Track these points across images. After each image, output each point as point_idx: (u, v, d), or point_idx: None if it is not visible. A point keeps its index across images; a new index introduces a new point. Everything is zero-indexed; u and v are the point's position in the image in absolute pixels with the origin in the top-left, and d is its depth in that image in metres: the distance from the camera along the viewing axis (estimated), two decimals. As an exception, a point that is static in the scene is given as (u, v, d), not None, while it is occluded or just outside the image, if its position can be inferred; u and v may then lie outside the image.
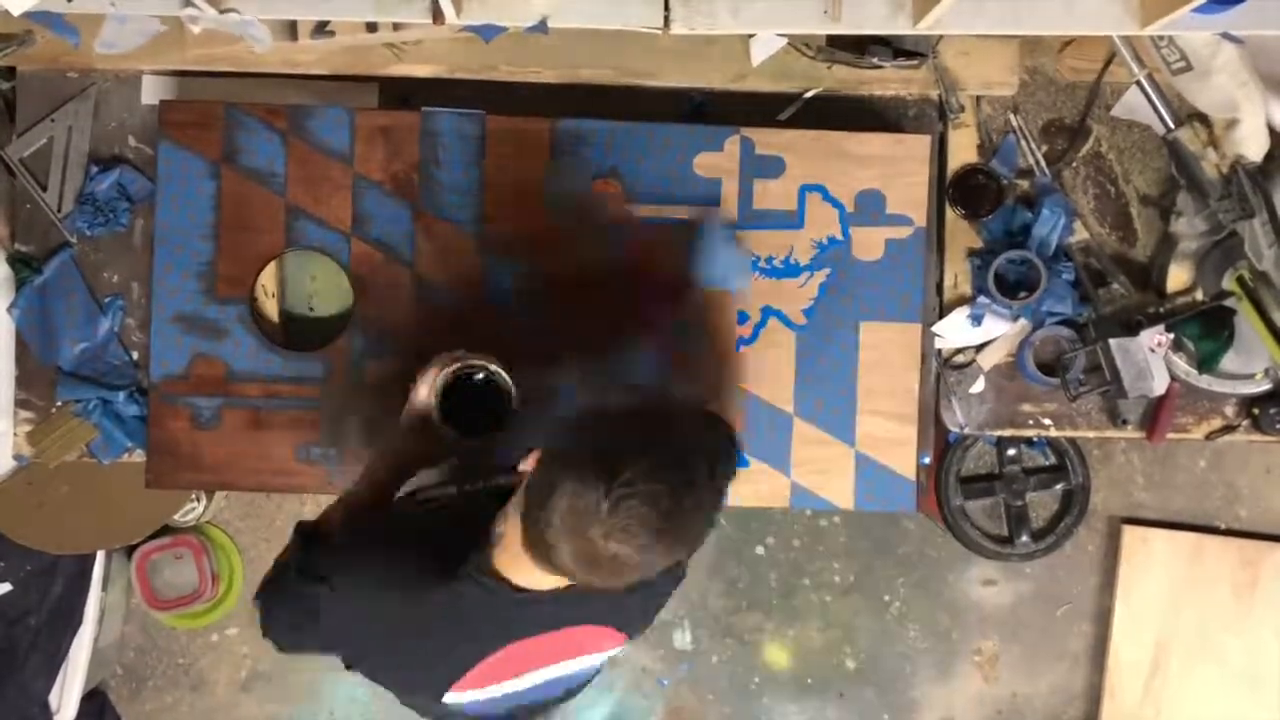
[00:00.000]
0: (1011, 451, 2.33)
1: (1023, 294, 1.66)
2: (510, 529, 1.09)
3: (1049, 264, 1.66)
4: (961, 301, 1.71)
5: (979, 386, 1.73)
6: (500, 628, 1.18)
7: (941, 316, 1.70)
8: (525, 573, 1.10)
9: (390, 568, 1.17)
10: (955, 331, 1.70)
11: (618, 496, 0.96)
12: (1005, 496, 2.32)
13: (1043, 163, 1.71)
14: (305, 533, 1.28)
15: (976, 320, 1.69)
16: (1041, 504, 2.41)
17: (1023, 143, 1.71)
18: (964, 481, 2.30)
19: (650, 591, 1.28)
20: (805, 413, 1.64)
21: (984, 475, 2.38)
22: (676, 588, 1.34)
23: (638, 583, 1.03)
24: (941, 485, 2.28)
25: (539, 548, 1.02)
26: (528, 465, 1.06)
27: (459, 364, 1.32)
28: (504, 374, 1.34)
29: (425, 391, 1.31)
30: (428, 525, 1.25)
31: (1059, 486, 2.33)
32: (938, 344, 1.71)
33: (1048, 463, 2.33)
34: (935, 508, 2.31)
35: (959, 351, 1.73)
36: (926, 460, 1.68)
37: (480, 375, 1.34)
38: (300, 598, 1.20)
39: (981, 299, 1.68)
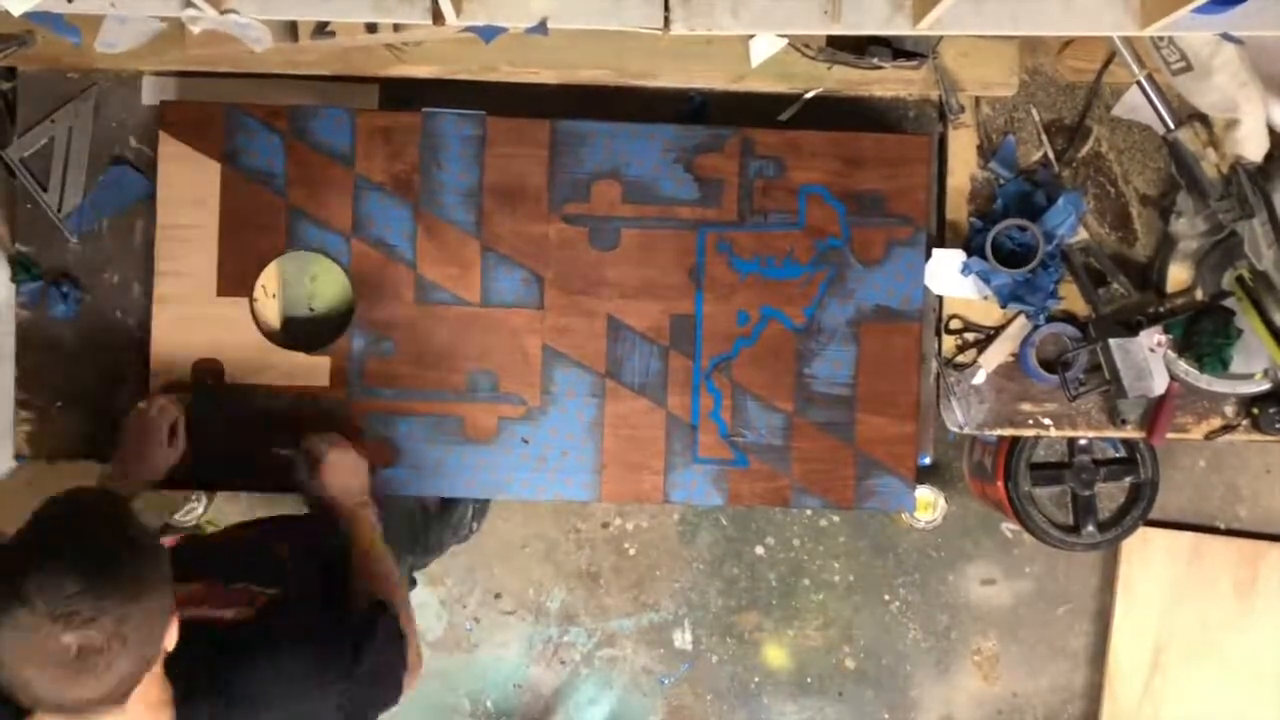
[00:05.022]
0: (1083, 442, 2.32)
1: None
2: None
3: (1048, 257, 1.65)
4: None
5: (979, 386, 1.73)
6: None
7: (941, 321, 1.70)
8: None
9: None
10: (946, 272, 1.67)
11: (32, 590, 0.96)
12: (1074, 486, 2.31)
13: (1052, 155, 1.70)
14: None
15: (968, 271, 1.68)
16: (1109, 495, 2.40)
17: (1040, 134, 1.70)
18: (1034, 468, 2.29)
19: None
20: (805, 413, 1.64)
21: (1054, 463, 2.36)
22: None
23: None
24: (1012, 470, 2.27)
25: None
26: None
27: None
28: None
29: None
30: None
31: (1128, 479, 2.32)
32: (926, 280, 1.69)
33: (1118, 455, 2.32)
34: (1002, 495, 2.30)
35: (961, 352, 1.72)
36: (926, 460, 1.68)
37: None
38: None
39: (973, 259, 1.67)
